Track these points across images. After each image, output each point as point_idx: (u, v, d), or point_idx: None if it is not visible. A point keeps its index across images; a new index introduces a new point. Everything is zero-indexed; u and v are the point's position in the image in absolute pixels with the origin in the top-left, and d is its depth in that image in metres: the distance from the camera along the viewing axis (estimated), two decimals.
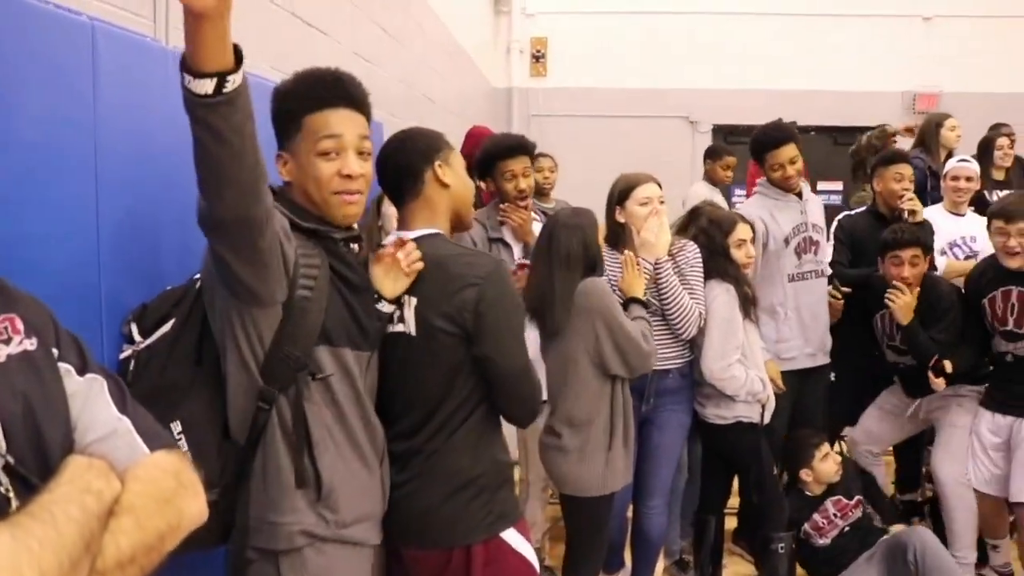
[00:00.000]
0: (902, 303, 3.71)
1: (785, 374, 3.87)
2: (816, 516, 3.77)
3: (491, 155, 3.60)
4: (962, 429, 3.84)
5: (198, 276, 1.92)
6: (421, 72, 5.69)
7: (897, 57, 9.61)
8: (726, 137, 9.90)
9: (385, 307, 2.08)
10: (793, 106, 8.16)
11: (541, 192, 4.76)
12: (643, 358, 3.01)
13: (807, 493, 3.81)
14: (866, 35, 9.58)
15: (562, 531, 4.14)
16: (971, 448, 3.80)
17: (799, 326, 3.98)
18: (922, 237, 3.85)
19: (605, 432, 3.02)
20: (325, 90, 1.88)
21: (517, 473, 3.96)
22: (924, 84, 9.58)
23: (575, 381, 3.00)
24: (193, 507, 1.15)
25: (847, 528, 3.75)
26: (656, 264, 3.33)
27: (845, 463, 3.91)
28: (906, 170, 4.32)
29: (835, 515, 3.77)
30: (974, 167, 4.72)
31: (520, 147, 3.60)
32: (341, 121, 1.87)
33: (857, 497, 3.84)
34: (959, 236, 4.53)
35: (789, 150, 3.92)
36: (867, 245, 4.16)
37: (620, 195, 3.44)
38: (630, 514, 3.66)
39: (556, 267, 2.98)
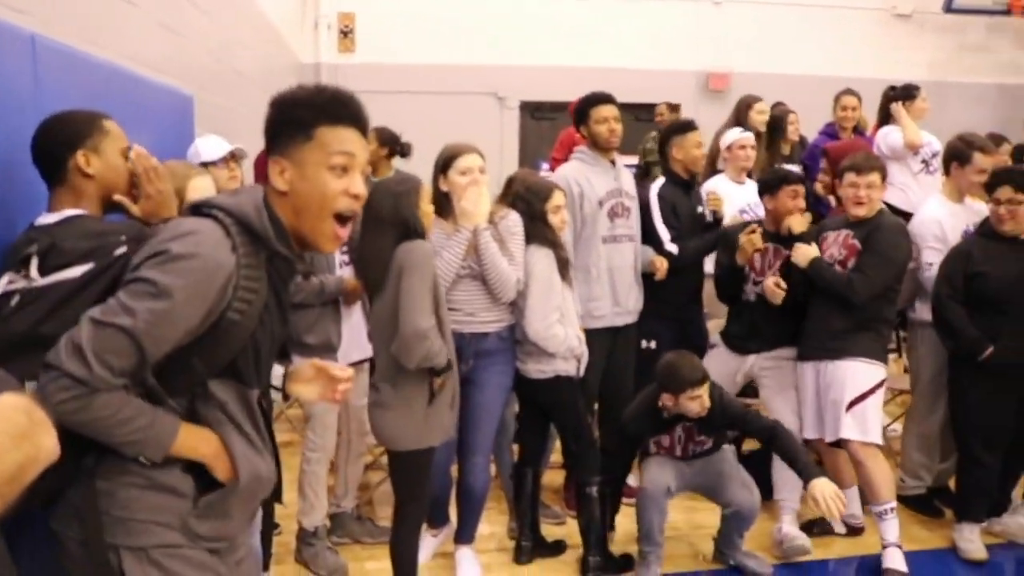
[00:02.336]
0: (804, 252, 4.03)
1: (596, 331, 4.12)
2: (663, 436, 3.85)
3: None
4: (790, 387, 4.18)
5: (123, 249, 1.82)
6: (229, 45, 5.57)
7: (692, 38, 10.22)
8: (533, 113, 10.20)
9: (280, 396, 2.14)
10: (597, 83, 8.38)
11: (375, 168, 4.94)
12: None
13: (663, 415, 3.75)
14: (664, 16, 10.12)
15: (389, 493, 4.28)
16: (799, 400, 4.14)
17: (610, 287, 4.24)
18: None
19: (424, 387, 3.14)
20: (344, 107, 1.83)
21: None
22: (717, 64, 10.23)
23: (393, 337, 3.11)
24: (48, 442, 1.17)
25: (691, 452, 3.89)
26: (475, 231, 3.48)
27: (714, 405, 3.72)
28: (699, 137, 4.65)
29: (680, 437, 3.85)
30: (752, 137, 5.26)
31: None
32: (355, 141, 1.82)
33: (704, 439, 3.87)
34: (746, 203, 4.94)
35: (613, 109, 4.27)
36: (681, 212, 4.53)
37: (443, 165, 3.59)
38: (455, 473, 3.81)
39: (369, 229, 3.15)
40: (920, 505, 4.51)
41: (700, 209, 4.64)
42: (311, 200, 1.79)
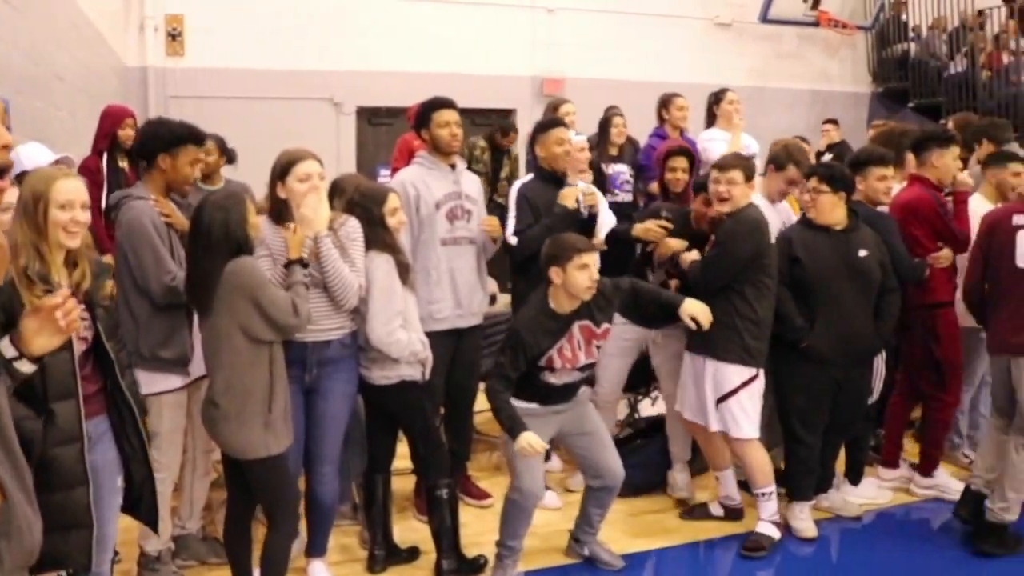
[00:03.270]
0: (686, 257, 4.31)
1: (439, 334, 4.13)
2: (564, 343, 3.68)
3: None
4: (678, 359, 4.42)
5: None
6: (46, 47, 5.30)
7: (527, 44, 10.44)
8: (370, 118, 10.13)
9: (24, 366, 1.91)
10: (433, 88, 8.42)
11: (208, 176, 4.78)
12: (290, 328, 3.23)
13: (556, 312, 3.67)
14: (499, 23, 10.29)
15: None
16: (682, 379, 4.37)
17: (451, 288, 4.27)
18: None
19: (264, 397, 3.18)
20: None
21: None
22: (551, 70, 10.48)
23: (229, 352, 3.17)
24: None
25: (584, 367, 3.78)
26: (316, 238, 3.44)
27: (604, 289, 3.73)
28: (566, 134, 4.73)
29: (579, 343, 3.71)
30: (585, 140, 5.39)
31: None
32: None
33: (605, 327, 3.80)
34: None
35: (455, 114, 4.28)
36: (545, 205, 4.55)
37: (281, 171, 3.52)
38: (303, 485, 3.74)
39: (199, 247, 3.18)
40: None
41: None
42: None
